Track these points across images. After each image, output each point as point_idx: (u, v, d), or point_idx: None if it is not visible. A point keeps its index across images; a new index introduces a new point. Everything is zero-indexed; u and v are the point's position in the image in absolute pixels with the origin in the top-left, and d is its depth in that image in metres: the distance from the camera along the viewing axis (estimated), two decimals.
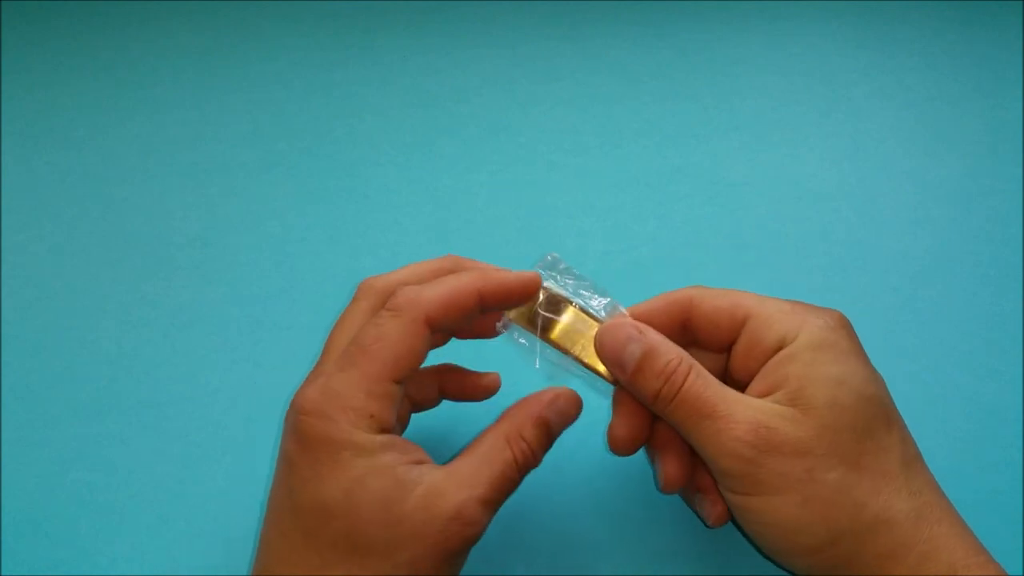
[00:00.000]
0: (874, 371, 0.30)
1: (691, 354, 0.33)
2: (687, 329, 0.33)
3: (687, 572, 0.36)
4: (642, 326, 0.31)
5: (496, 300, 0.31)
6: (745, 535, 0.31)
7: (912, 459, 0.29)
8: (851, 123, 0.50)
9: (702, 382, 0.29)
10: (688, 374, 0.29)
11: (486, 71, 0.53)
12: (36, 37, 0.55)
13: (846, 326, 0.31)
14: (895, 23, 0.53)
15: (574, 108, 0.51)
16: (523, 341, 0.33)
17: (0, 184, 0.49)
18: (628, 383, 0.31)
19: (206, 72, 0.54)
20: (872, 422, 0.28)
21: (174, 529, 0.38)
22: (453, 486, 0.28)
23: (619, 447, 0.33)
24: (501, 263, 0.45)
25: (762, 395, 0.29)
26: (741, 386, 0.32)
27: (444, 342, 0.34)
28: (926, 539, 0.27)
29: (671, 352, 0.30)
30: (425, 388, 0.35)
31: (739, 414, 0.28)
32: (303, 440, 0.28)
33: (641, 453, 0.35)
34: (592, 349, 0.32)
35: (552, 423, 0.31)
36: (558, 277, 0.33)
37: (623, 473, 0.38)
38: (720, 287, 0.33)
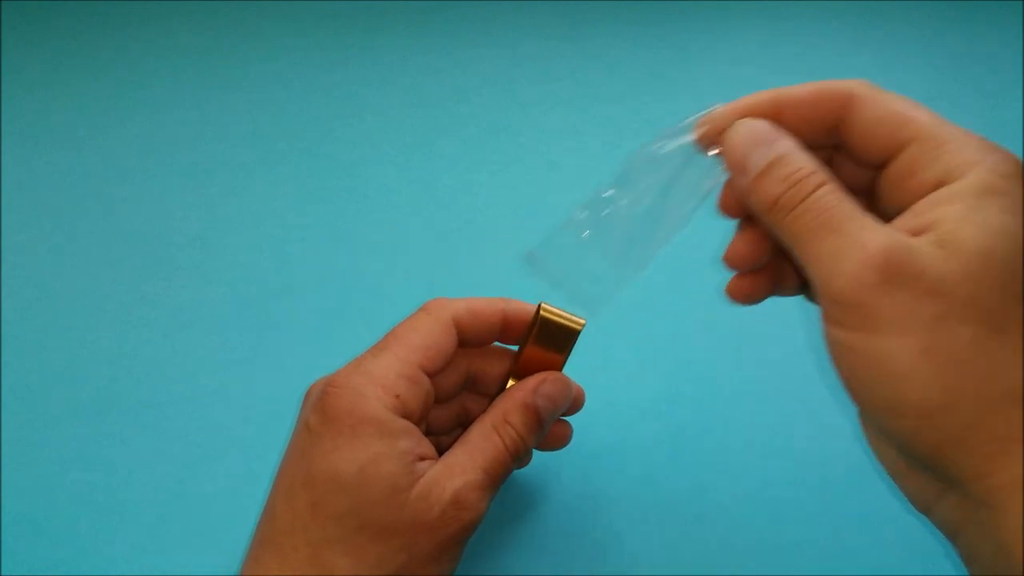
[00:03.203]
0: None
1: (836, 158, 0.29)
2: (835, 131, 0.28)
3: (688, 572, 0.36)
4: (781, 131, 0.27)
5: (517, 322, 0.33)
6: (844, 385, 0.25)
7: None
8: None
9: (834, 197, 0.25)
10: (820, 186, 0.25)
11: (486, 71, 0.53)
12: (36, 37, 0.55)
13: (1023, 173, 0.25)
14: (895, 23, 0.53)
15: (574, 108, 0.51)
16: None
17: (0, 184, 0.49)
18: (748, 188, 0.27)
19: (206, 72, 0.54)
20: None
21: (174, 529, 0.38)
22: (448, 476, 0.29)
23: (734, 263, 0.30)
24: (501, 263, 0.45)
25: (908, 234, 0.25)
26: (885, 217, 0.27)
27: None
28: None
29: (805, 162, 0.26)
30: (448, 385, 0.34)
31: (871, 236, 0.24)
32: (328, 412, 0.29)
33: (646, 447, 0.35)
34: None
35: (540, 408, 0.31)
36: None
37: (620, 473, 0.38)
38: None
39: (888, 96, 0.27)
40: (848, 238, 0.24)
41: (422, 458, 0.29)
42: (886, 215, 0.26)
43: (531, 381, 0.32)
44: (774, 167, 0.26)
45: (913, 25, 0.53)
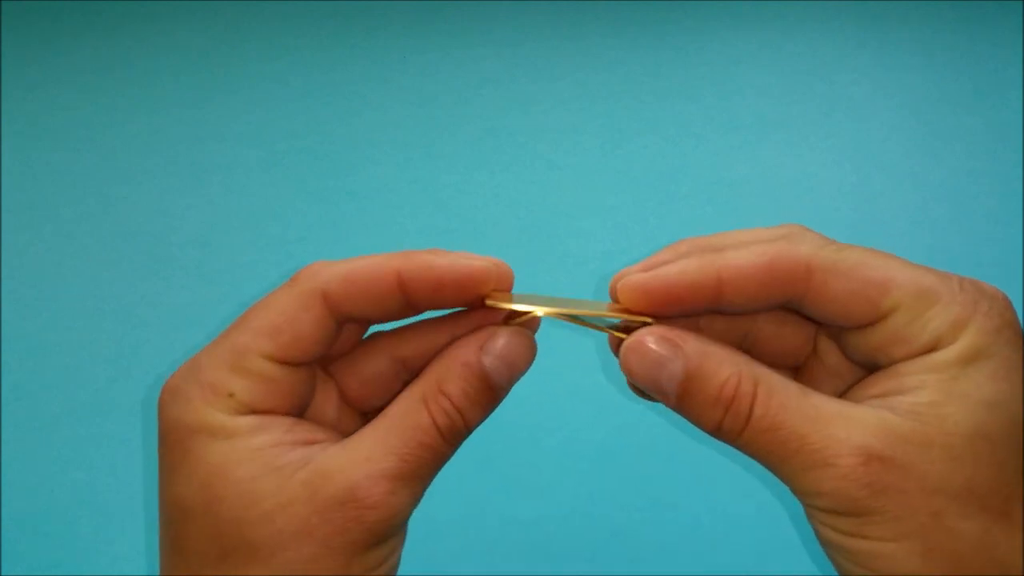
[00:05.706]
0: None
1: (781, 318, 0.26)
2: (790, 302, 0.24)
3: (688, 571, 0.36)
4: (676, 333, 0.23)
5: (423, 289, 0.23)
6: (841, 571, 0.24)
7: None
8: (851, 123, 0.50)
9: (778, 402, 0.22)
10: (755, 395, 0.22)
11: (486, 71, 0.53)
12: (36, 37, 0.55)
13: (1013, 324, 0.23)
14: (895, 23, 0.53)
15: (574, 108, 0.51)
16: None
17: (0, 184, 0.49)
18: (677, 411, 0.24)
19: (206, 72, 0.54)
20: None
21: None
22: (346, 464, 0.22)
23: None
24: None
25: (879, 395, 0.22)
26: (851, 357, 0.25)
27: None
28: None
29: (725, 368, 0.22)
30: (369, 383, 0.26)
31: (839, 443, 0.21)
32: (160, 427, 0.23)
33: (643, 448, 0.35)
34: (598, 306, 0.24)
35: (491, 371, 0.23)
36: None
37: (620, 473, 0.38)
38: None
39: (854, 259, 0.23)
40: (816, 455, 0.21)
41: (308, 443, 0.23)
42: (851, 356, 0.24)
43: (478, 336, 0.23)
44: (694, 386, 0.22)
45: (913, 25, 0.53)
